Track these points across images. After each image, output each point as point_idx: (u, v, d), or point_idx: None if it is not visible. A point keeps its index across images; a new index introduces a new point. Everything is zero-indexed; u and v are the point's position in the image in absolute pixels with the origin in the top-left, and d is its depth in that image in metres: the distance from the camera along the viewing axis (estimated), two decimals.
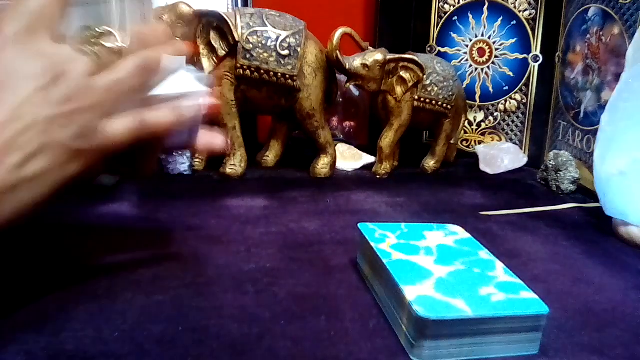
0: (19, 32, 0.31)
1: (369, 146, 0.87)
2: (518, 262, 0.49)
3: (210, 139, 0.41)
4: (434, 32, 0.90)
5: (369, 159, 0.83)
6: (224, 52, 0.67)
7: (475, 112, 0.92)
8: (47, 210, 0.33)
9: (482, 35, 0.89)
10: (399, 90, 0.75)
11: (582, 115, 0.77)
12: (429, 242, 0.42)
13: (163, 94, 0.36)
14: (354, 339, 0.34)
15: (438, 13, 0.89)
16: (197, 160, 0.74)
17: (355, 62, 0.73)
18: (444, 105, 0.78)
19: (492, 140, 0.92)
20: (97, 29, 0.34)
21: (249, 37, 0.67)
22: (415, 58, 0.73)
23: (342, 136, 0.94)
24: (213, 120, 0.71)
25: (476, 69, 0.90)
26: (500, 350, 0.34)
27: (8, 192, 0.30)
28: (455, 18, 0.89)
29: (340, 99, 0.91)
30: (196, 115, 0.38)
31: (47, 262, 0.43)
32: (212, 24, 0.66)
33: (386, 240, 0.42)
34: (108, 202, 0.59)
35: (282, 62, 0.68)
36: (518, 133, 0.91)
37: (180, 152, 0.72)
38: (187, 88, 0.38)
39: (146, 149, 0.38)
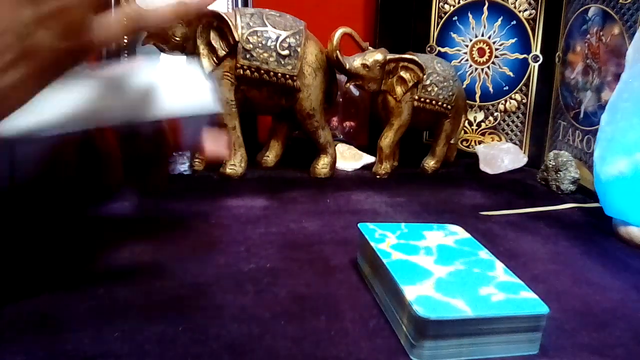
0: None
1: (369, 146, 0.87)
2: (518, 262, 0.49)
3: (216, 147, 0.40)
4: (434, 32, 0.90)
5: (369, 159, 0.83)
6: (224, 52, 0.67)
7: (475, 112, 0.92)
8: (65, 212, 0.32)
9: (482, 35, 0.89)
10: (399, 90, 0.75)
11: (582, 115, 0.77)
12: (429, 242, 0.42)
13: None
14: (354, 339, 0.34)
15: (438, 13, 0.89)
16: (197, 160, 0.74)
17: (355, 62, 0.73)
18: (444, 105, 0.78)
19: (492, 140, 0.92)
20: None
21: (249, 37, 0.67)
22: (415, 58, 0.73)
23: (342, 136, 0.94)
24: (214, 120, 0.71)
25: (476, 69, 0.90)
26: (500, 350, 0.34)
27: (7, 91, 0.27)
28: (455, 18, 0.89)
29: (340, 99, 0.91)
30: (201, 117, 0.38)
31: (47, 262, 0.43)
32: (212, 24, 0.66)
33: (386, 240, 0.42)
34: (108, 202, 0.59)
35: (282, 62, 0.68)
36: (518, 133, 0.91)
37: (180, 152, 0.72)
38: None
39: (155, 161, 0.38)
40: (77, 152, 0.36)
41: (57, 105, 0.34)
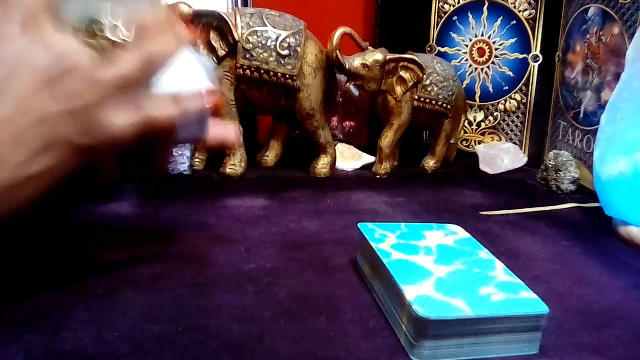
0: (24, 22, 0.29)
1: (369, 146, 0.87)
2: (518, 262, 0.49)
3: (223, 132, 0.39)
4: (434, 32, 0.90)
5: (369, 159, 0.83)
6: (224, 52, 0.67)
7: (475, 112, 0.92)
8: (55, 209, 0.33)
9: (482, 35, 0.89)
10: (399, 90, 0.75)
11: (582, 115, 0.77)
12: (429, 242, 0.42)
13: (167, 90, 0.36)
14: (354, 339, 0.34)
15: (438, 13, 0.89)
16: (197, 160, 0.74)
17: (355, 62, 0.73)
18: (444, 105, 0.78)
19: (492, 140, 0.92)
20: (103, 21, 0.33)
21: (249, 37, 0.67)
22: (415, 58, 0.73)
23: (342, 136, 0.94)
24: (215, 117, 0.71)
25: (476, 69, 0.90)
26: (500, 350, 0.34)
27: (11, 190, 0.29)
28: (455, 18, 0.89)
29: (340, 99, 0.91)
30: (202, 109, 0.37)
31: (47, 261, 0.43)
32: (212, 24, 0.66)
33: (386, 240, 0.42)
34: (108, 202, 0.59)
35: (282, 62, 0.68)
36: (518, 133, 0.91)
37: (180, 152, 0.72)
38: (191, 73, 0.37)
39: (157, 146, 0.38)
40: None
41: None
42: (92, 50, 0.32)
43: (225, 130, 0.40)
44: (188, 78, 0.37)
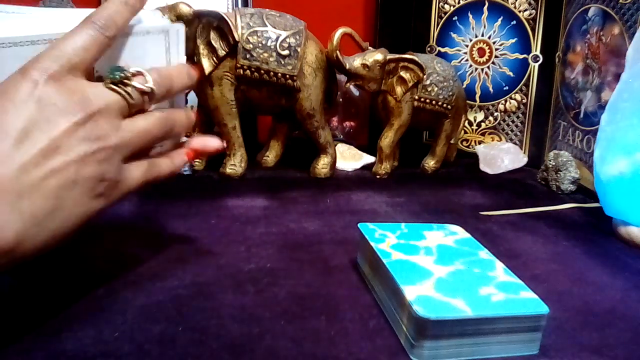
0: (57, 70, 0.31)
1: (369, 146, 0.87)
2: (518, 262, 0.49)
3: (203, 141, 0.43)
4: (434, 32, 0.90)
5: (369, 159, 0.83)
6: (224, 52, 0.67)
7: (475, 112, 0.92)
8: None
9: (482, 35, 0.89)
10: (399, 90, 0.75)
11: (582, 115, 0.77)
12: (429, 242, 0.42)
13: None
14: (354, 339, 0.34)
15: (438, 13, 0.89)
16: (197, 160, 0.74)
17: (355, 62, 0.73)
18: (444, 105, 0.78)
19: (492, 140, 0.92)
20: (128, 69, 0.34)
21: (249, 37, 0.67)
22: (415, 58, 0.73)
23: (342, 136, 0.94)
24: (213, 120, 0.71)
25: (476, 69, 0.90)
26: (500, 350, 0.34)
27: (45, 218, 0.30)
28: (455, 18, 0.89)
29: (340, 99, 0.91)
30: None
31: (46, 261, 0.43)
32: (212, 24, 0.66)
33: (386, 240, 0.42)
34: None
35: (282, 62, 0.68)
36: (518, 133, 0.91)
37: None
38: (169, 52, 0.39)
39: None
40: None
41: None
42: (119, 97, 0.34)
43: (205, 141, 0.43)
44: (168, 56, 0.39)
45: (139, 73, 0.35)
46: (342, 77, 0.77)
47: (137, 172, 0.36)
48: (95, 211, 0.33)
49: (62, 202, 0.31)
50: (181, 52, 0.41)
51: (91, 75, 0.35)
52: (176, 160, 0.40)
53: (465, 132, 0.92)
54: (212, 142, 0.43)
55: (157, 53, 0.39)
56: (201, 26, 0.66)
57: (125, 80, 0.34)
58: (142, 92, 0.35)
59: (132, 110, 0.35)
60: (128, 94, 0.34)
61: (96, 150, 0.32)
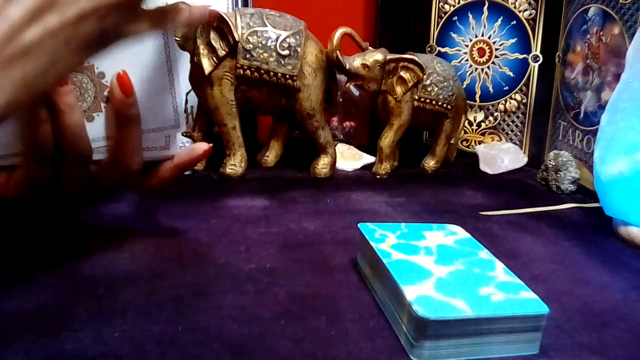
0: None
1: (369, 146, 0.87)
2: (518, 262, 0.49)
3: (189, 150, 0.43)
4: (434, 32, 0.90)
5: (369, 159, 0.83)
6: (224, 52, 0.67)
7: (475, 112, 0.92)
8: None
9: (482, 35, 0.89)
10: (399, 90, 0.75)
11: (582, 115, 0.77)
12: (429, 242, 0.42)
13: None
14: (354, 339, 0.34)
15: (438, 13, 0.89)
16: None
17: (355, 62, 0.73)
18: (444, 105, 0.78)
19: (492, 140, 0.92)
20: None
21: (249, 37, 0.67)
22: (415, 58, 0.73)
23: (342, 136, 0.94)
24: (213, 120, 0.71)
25: (476, 69, 0.90)
26: (500, 350, 0.34)
27: (38, 76, 0.28)
28: (455, 18, 0.89)
29: (340, 99, 0.91)
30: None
31: (47, 261, 0.43)
32: (212, 24, 0.66)
33: (386, 240, 0.42)
34: (108, 202, 0.59)
35: (282, 62, 0.68)
36: (518, 133, 0.91)
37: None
38: None
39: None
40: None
41: None
42: None
43: (191, 149, 0.43)
44: None
45: None
46: (342, 77, 0.77)
47: (142, 24, 0.33)
48: (87, 59, 0.32)
49: (56, 60, 0.29)
50: None
51: None
52: (195, 9, 0.36)
53: (465, 132, 0.92)
54: (199, 147, 0.43)
55: None
56: (201, 26, 0.66)
57: None
58: None
59: None
60: None
61: (97, 5, 0.29)
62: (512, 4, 0.86)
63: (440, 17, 0.89)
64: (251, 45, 0.67)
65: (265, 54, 0.67)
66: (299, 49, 0.69)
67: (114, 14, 0.30)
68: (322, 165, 0.76)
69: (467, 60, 0.90)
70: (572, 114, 0.80)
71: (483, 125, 0.92)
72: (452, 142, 0.84)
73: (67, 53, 0.29)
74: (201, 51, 0.66)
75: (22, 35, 0.27)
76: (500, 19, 0.87)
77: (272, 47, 0.68)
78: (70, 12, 0.28)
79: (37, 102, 0.32)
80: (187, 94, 0.73)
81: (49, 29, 0.28)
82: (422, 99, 0.77)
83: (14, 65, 0.27)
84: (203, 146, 0.44)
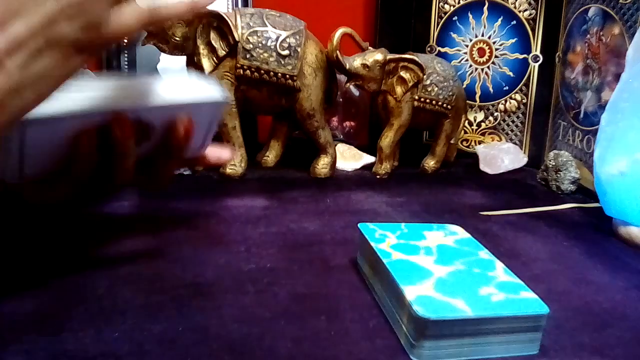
0: None
1: (369, 146, 0.87)
2: (518, 262, 0.49)
3: (218, 153, 0.43)
4: (434, 32, 0.90)
5: (369, 159, 0.83)
6: (224, 52, 0.67)
7: (475, 112, 0.92)
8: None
9: (482, 35, 0.89)
10: (399, 90, 0.75)
11: (582, 115, 0.77)
12: (429, 242, 0.42)
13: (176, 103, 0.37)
14: (354, 339, 0.34)
15: (438, 13, 0.89)
16: None
17: (355, 62, 0.73)
18: (444, 105, 0.78)
19: (492, 140, 0.92)
20: None
21: (249, 37, 0.67)
22: (415, 58, 0.73)
23: (342, 136, 0.94)
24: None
25: (476, 69, 0.90)
26: (500, 350, 0.34)
27: (12, 93, 0.27)
28: (455, 18, 0.89)
29: (340, 99, 0.91)
30: (211, 121, 0.40)
31: (47, 261, 0.43)
32: (212, 24, 0.66)
33: (386, 240, 0.42)
34: (108, 202, 0.59)
35: (282, 62, 0.68)
36: (518, 133, 0.91)
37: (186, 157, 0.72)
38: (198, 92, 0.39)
39: (164, 158, 0.39)
40: (93, 144, 0.36)
41: (74, 89, 0.34)
42: None
43: (220, 152, 0.43)
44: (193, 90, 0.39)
45: None
46: (342, 77, 0.77)
47: (129, 13, 0.31)
48: (76, 68, 0.30)
49: (31, 74, 0.28)
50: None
51: None
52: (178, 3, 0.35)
53: (465, 132, 0.92)
54: (225, 155, 0.44)
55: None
56: (201, 26, 0.66)
57: None
58: None
59: None
60: None
61: (68, 7, 0.28)
62: (512, 4, 0.86)
63: (440, 17, 0.89)
64: (251, 45, 0.67)
65: (265, 54, 0.67)
66: (299, 49, 0.69)
67: (88, 11, 0.29)
68: (322, 165, 0.76)
69: (467, 60, 0.90)
70: (572, 114, 0.80)
71: (483, 125, 0.92)
72: (452, 142, 0.84)
73: (48, 63, 0.28)
74: (201, 51, 0.66)
75: None
76: (500, 19, 0.87)
77: (272, 47, 0.68)
78: (37, 16, 0.27)
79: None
80: None
81: (15, 39, 0.27)
82: (422, 99, 0.77)
83: None
84: (228, 154, 0.44)
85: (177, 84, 0.39)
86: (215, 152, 0.42)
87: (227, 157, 0.44)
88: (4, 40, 0.27)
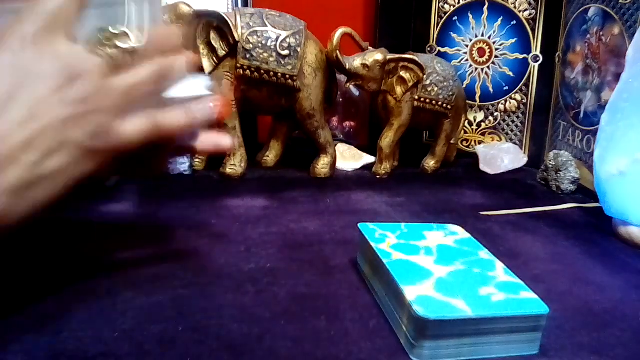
0: (36, 33, 0.31)
1: (369, 146, 0.87)
2: (518, 262, 0.49)
3: (216, 139, 0.41)
4: (434, 32, 0.90)
5: (369, 159, 0.83)
6: (224, 52, 0.67)
7: (475, 112, 0.92)
8: (57, 208, 0.33)
9: (482, 35, 0.89)
10: (399, 90, 0.75)
11: (582, 115, 0.77)
12: (429, 242, 0.42)
13: (175, 97, 0.37)
14: (354, 339, 0.34)
15: (438, 13, 0.89)
16: (197, 160, 0.74)
17: (355, 62, 0.73)
18: (444, 105, 0.78)
19: (492, 140, 0.92)
20: (111, 30, 0.34)
21: (249, 37, 0.67)
22: (415, 58, 0.73)
23: (342, 136, 0.94)
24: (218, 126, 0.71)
25: (476, 69, 0.90)
26: (500, 351, 0.34)
27: (25, 189, 0.30)
28: (455, 18, 0.89)
29: (340, 99, 0.91)
30: (209, 117, 0.39)
31: (47, 261, 0.43)
32: (212, 24, 0.66)
33: (386, 240, 0.42)
34: (108, 202, 0.59)
35: (282, 62, 0.68)
36: (518, 133, 0.91)
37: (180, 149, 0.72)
38: (197, 92, 0.39)
39: (157, 149, 0.39)
40: None
41: None
42: (101, 58, 0.33)
43: (218, 138, 0.41)
44: (192, 90, 0.39)
45: (123, 33, 0.34)
46: (342, 77, 0.77)
47: (133, 125, 0.34)
48: (84, 174, 0.32)
49: (44, 171, 0.30)
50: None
51: (72, 36, 0.34)
52: (188, 112, 0.36)
53: (465, 132, 0.92)
54: (223, 142, 0.41)
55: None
56: (201, 26, 0.66)
57: (107, 41, 0.33)
58: (127, 52, 0.34)
59: (118, 69, 0.33)
60: (110, 55, 0.33)
61: (78, 115, 0.31)
62: (512, 4, 0.86)
63: (440, 17, 0.89)
64: (251, 45, 0.67)
65: (265, 54, 0.67)
66: (299, 49, 0.69)
67: (94, 120, 0.32)
68: (322, 165, 0.76)
69: (467, 60, 0.90)
70: (572, 114, 0.80)
71: (483, 125, 0.92)
72: (452, 142, 0.84)
73: (57, 163, 0.31)
74: (201, 51, 0.66)
75: (6, 144, 0.29)
76: (500, 19, 0.87)
77: (272, 47, 0.68)
78: (51, 120, 0.30)
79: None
80: None
81: (30, 137, 0.30)
82: (422, 99, 0.77)
83: None
84: (227, 141, 0.42)
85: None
86: (212, 138, 0.41)
87: (226, 144, 0.42)
88: (19, 139, 0.29)
